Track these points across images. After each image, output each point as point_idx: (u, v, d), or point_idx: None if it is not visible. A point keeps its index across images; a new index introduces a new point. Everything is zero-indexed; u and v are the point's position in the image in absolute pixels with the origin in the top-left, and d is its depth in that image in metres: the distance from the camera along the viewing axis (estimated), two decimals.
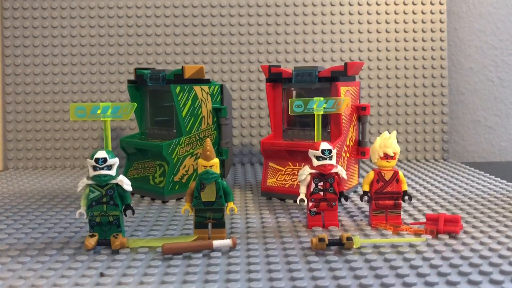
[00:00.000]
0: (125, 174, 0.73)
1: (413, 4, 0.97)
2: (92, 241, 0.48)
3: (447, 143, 0.98)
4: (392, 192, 0.54)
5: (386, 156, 0.53)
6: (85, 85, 0.95)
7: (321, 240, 0.46)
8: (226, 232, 0.51)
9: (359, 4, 0.97)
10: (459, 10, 1.05)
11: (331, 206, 0.54)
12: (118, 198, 0.49)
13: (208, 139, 0.50)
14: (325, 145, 0.53)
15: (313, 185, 0.54)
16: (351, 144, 0.68)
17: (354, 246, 0.47)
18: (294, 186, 0.65)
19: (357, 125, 0.69)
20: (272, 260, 0.45)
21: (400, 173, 0.54)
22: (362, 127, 0.69)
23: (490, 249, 0.46)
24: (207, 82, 0.71)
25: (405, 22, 0.97)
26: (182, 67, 0.68)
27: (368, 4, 0.97)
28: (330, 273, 0.42)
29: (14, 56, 0.94)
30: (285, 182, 0.67)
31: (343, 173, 0.54)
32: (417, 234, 0.51)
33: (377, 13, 0.97)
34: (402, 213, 0.55)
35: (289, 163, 0.67)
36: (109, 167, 0.48)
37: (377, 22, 0.97)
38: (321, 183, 0.54)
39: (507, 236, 0.50)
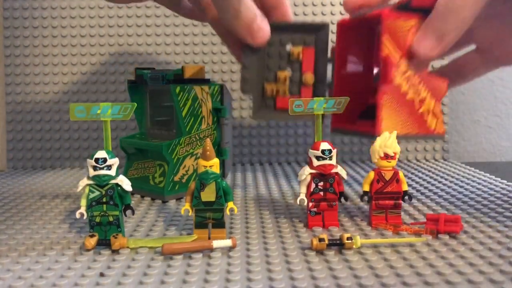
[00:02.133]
0: (125, 174, 0.73)
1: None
2: (92, 241, 0.48)
3: (447, 143, 0.98)
4: (392, 192, 0.54)
5: (386, 156, 0.53)
6: (85, 85, 0.95)
7: (321, 240, 0.46)
8: (226, 232, 0.51)
9: None
10: None
11: (331, 206, 0.54)
12: (118, 198, 0.49)
13: (208, 139, 0.50)
14: (325, 145, 0.53)
15: (313, 185, 0.54)
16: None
17: (354, 246, 0.47)
18: None
19: None
20: (271, 260, 0.45)
21: (400, 173, 0.54)
22: None
23: (490, 249, 0.46)
24: (207, 82, 0.71)
25: None
26: (182, 67, 0.68)
27: None
28: (330, 273, 0.42)
29: (14, 56, 0.94)
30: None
31: (343, 173, 0.54)
32: (417, 234, 0.51)
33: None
34: (402, 213, 0.55)
35: None
36: (109, 167, 0.48)
37: None
38: (321, 183, 0.54)
39: (507, 236, 0.50)
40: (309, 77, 0.66)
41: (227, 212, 0.50)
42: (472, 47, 0.68)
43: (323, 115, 0.55)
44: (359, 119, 0.67)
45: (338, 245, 0.47)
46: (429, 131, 0.61)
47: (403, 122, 0.60)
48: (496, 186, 0.72)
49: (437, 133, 0.61)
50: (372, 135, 0.59)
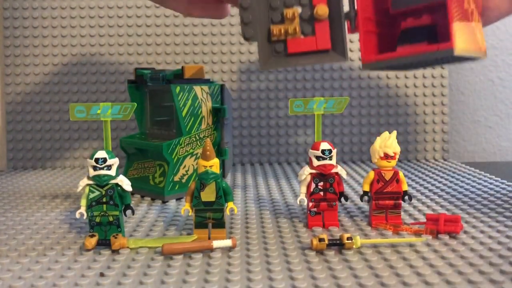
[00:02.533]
0: (125, 174, 0.73)
1: None
2: (92, 241, 0.48)
3: (447, 143, 0.98)
4: (392, 192, 0.54)
5: (386, 156, 0.53)
6: (85, 85, 0.95)
7: (321, 240, 0.46)
8: (226, 232, 0.51)
9: None
10: None
11: (331, 206, 0.54)
12: (118, 198, 0.49)
13: (208, 139, 0.50)
14: (325, 145, 0.53)
15: (313, 185, 0.54)
16: None
17: (354, 246, 0.47)
18: None
19: None
20: (271, 260, 0.45)
21: (400, 173, 0.54)
22: None
23: (490, 249, 0.46)
24: (207, 82, 0.71)
25: None
26: (182, 67, 0.68)
27: None
28: (330, 273, 0.42)
29: (14, 56, 0.94)
30: None
31: (343, 173, 0.54)
32: (417, 234, 0.51)
33: None
34: (402, 213, 0.55)
35: None
36: (109, 167, 0.48)
37: None
38: (321, 183, 0.54)
39: (507, 236, 0.50)
40: (322, 9, 0.55)
41: (227, 212, 0.50)
42: None
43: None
44: (401, 45, 0.57)
45: (338, 245, 0.47)
46: (479, 49, 0.54)
47: (465, 35, 0.52)
48: (496, 186, 0.72)
49: (484, 51, 0.54)
50: (448, 50, 0.50)
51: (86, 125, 0.95)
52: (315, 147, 0.53)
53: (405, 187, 0.54)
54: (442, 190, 0.70)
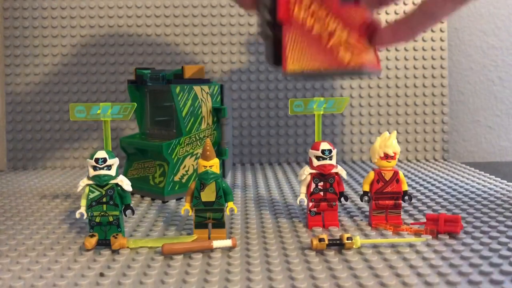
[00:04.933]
0: (125, 174, 0.73)
1: (413, 4, 0.97)
2: (92, 241, 0.48)
3: (447, 143, 0.98)
4: (392, 192, 0.54)
5: (386, 156, 0.53)
6: (85, 85, 0.95)
7: (321, 240, 0.46)
8: (226, 232, 0.51)
9: None
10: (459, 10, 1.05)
11: (331, 206, 0.54)
12: (118, 198, 0.49)
13: (208, 139, 0.50)
14: (325, 145, 0.53)
15: (313, 185, 0.54)
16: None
17: (354, 246, 0.47)
18: None
19: None
20: (271, 260, 0.44)
21: (400, 173, 0.54)
22: None
23: (490, 249, 0.46)
24: (207, 82, 0.71)
25: None
26: (182, 67, 0.68)
27: None
28: (330, 273, 0.42)
29: (14, 56, 0.94)
30: None
31: (343, 173, 0.54)
32: (417, 234, 0.51)
33: (377, 13, 0.97)
34: (402, 213, 0.55)
35: None
36: (109, 167, 0.48)
37: None
38: (321, 183, 0.54)
39: (508, 236, 0.50)
40: None
41: (227, 212, 0.50)
42: None
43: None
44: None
45: (338, 245, 0.47)
46: (340, 65, 0.51)
47: (311, 58, 0.50)
48: (496, 186, 0.72)
49: (352, 67, 0.50)
50: (283, 72, 0.48)
51: (86, 125, 0.95)
52: (315, 147, 0.53)
53: (405, 187, 0.54)
54: (442, 190, 0.70)
